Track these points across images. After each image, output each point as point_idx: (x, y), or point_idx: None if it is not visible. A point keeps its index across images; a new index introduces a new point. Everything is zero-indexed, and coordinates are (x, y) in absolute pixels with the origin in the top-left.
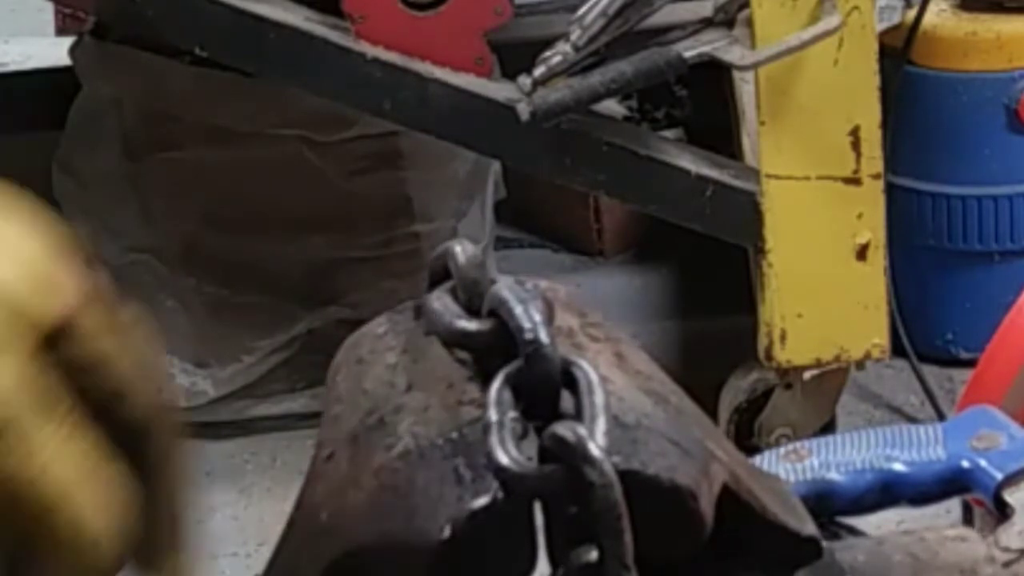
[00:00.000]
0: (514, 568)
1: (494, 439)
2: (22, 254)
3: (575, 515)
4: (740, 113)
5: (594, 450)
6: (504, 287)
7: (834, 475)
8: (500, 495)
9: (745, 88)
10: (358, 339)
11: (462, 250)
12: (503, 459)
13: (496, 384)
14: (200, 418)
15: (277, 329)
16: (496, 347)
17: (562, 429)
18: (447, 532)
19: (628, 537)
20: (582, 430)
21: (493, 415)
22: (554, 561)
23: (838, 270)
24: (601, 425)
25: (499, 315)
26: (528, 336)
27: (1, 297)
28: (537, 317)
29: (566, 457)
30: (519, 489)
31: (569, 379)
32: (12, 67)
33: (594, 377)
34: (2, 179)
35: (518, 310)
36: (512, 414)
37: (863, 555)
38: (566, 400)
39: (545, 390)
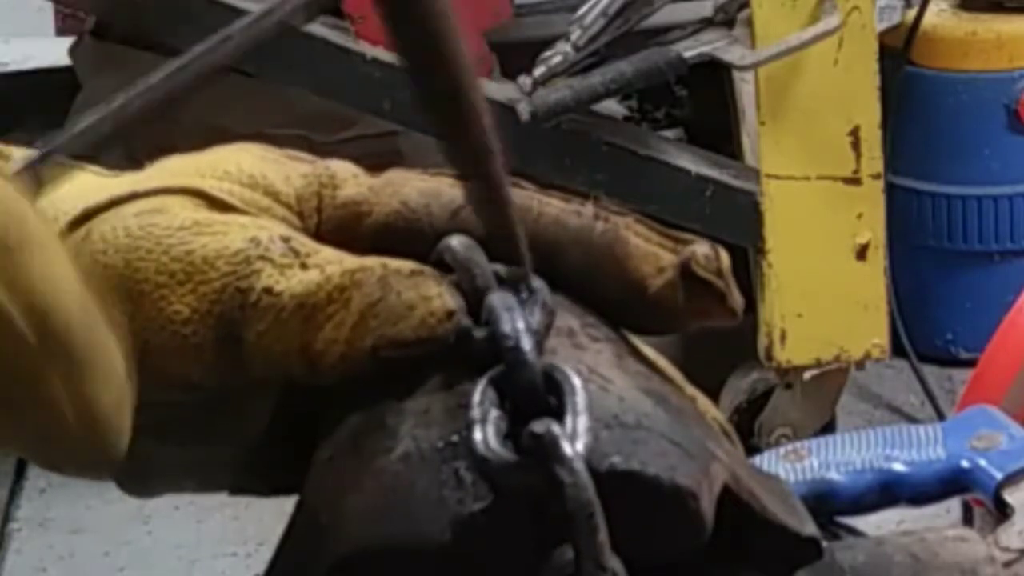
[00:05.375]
0: (515, 571)
1: (476, 435)
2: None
3: (555, 515)
4: (740, 113)
5: (566, 448)
6: (495, 295)
7: (834, 475)
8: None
9: (745, 88)
10: None
11: (458, 241)
12: (484, 452)
13: (480, 386)
14: None
15: None
16: (492, 351)
17: (538, 427)
18: (448, 535)
19: (603, 536)
20: (556, 428)
21: (476, 413)
22: (537, 561)
23: (838, 270)
24: (582, 423)
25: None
26: (508, 343)
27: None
28: (520, 325)
29: (541, 455)
30: (500, 483)
31: (552, 385)
32: (12, 67)
33: (576, 381)
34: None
35: (503, 318)
36: (495, 413)
37: (863, 555)
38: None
39: (528, 395)
